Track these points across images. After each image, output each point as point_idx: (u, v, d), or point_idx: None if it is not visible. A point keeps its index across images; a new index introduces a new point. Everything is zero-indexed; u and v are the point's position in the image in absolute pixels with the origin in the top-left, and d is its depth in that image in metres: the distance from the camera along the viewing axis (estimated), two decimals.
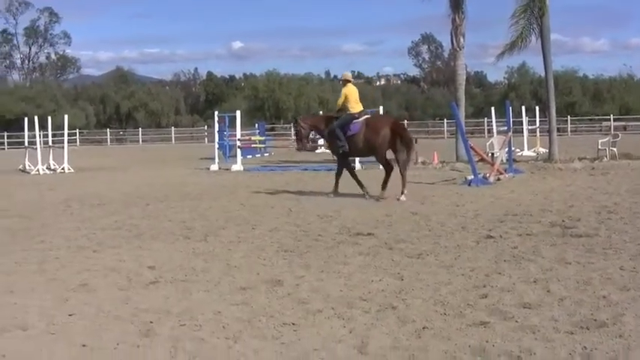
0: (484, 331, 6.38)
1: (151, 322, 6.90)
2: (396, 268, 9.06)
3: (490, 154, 25.75)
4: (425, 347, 5.99)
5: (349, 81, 17.82)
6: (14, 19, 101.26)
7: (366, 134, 16.94)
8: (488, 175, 20.10)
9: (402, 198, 16.32)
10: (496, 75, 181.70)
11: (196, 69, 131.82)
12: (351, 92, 17.44)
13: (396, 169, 17.20)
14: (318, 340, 6.26)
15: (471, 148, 20.94)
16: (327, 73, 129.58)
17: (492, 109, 38.41)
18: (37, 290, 8.41)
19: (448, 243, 10.70)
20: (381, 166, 18.10)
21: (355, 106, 17.38)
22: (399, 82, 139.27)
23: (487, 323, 6.57)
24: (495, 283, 8.08)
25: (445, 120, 69.85)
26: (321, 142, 32.19)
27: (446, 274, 8.62)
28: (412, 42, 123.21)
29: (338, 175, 17.60)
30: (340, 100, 17.48)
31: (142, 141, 78.37)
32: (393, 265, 9.26)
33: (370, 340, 6.19)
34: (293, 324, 6.75)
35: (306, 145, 18.26)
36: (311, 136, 19.22)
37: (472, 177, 19.62)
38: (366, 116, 17.59)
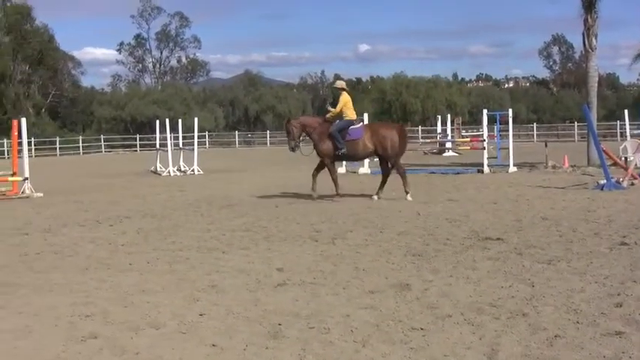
0: (619, 341, 6.18)
1: (280, 324, 6.93)
2: (527, 274, 8.88)
3: (623, 158, 25.07)
4: (557, 357, 5.84)
5: (344, 89, 18.74)
6: (147, 24, 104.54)
7: (373, 139, 18.06)
8: (621, 179, 19.54)
9: (409, 197, 17.72)
10: (629, 76, 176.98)
11: (323, 72, 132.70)
12: (348, 100, 18.50)
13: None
14: (447, 346, 6.18)
15: (604, 151, 20.41)
16: (455, 76, 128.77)
17: (625, 111, 37.54)
18: (169, 290, 8.57)
19: (580, 249, 10.43)
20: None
21: (352, 113, 18.43)
22: (527, 84, 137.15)
23: (622, 333, 6.35)
24: (631, 291, 7.82)
25: (576, 123, 68.36)
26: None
27: (578, 281, 8.40)
28: (544, 42, 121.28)
29: (334, 176, 18.71)
30: (339, 107, 18.31)
31: (270, 143, 79.34)
32: (523, 270, 9.08)
33: (500, 348, 6.07)
34: (422, 329, 6.69)
35: (298, 145, 18.84)
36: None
37: (605, 181, 19.14)
38: (363, 123, 19.03)
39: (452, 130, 45.63)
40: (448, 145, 39.91)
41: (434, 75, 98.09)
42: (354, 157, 18.96)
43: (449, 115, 49.55)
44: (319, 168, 18.79)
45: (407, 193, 17.86)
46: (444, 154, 40.92)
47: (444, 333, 6.56)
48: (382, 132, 18.18)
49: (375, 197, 17.99)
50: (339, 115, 18.33)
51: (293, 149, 18.79)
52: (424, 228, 12.89)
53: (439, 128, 48.97)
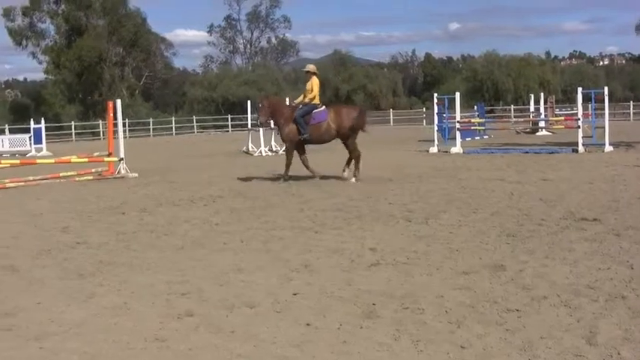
0: None
1: (374, 304, 6.92)
2: (625, 255, 8.68)
3: None
4: None
5: (315, 73, 19.39)
6: (237, 5, 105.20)
7: (337, 121, 18.50)
8: None
9: (353, 180, 18.18)
10: None
11: (414, 51, 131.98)
12: (319, 84, 19.14)
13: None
14: (544, 328, 6.09)
15: None
16: (548, 54, 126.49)
17: None
18: (263, 269, 8.65)
19: None
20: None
21: (318, 98, 18.95)
22: (623, 61, 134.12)
23: None
24: None
25: None
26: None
27: None
28: None
29: (289, 161, 19.23)
30: (315, 90, 18.85)
31: None
32: (621, 252, 8.88)
33: (599, 331, 5.96)
34: (517, 310, 6.61)
35: (264, 124, 19.67)
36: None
37: None
38: (325, 106, 19.06)
39: (545, 108, 44.94)
40: (541, 124, 39.32)
41: (526, 53, 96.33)
42: (320, 140, 19.12)
43: (542, 94, 48.70)
44: (301, 152, 19.38)
45: (355, 177, 18.35)
46: (538, 134, 40.36)
47: (540, 315, 6.47)
48: (344, 112, 18.73)
49: (353, 179, 18.26)
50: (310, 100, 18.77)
51: (261, 125, 19.58)
52: (518, 208, 12.72)
53: (532, 107, 48.27)
